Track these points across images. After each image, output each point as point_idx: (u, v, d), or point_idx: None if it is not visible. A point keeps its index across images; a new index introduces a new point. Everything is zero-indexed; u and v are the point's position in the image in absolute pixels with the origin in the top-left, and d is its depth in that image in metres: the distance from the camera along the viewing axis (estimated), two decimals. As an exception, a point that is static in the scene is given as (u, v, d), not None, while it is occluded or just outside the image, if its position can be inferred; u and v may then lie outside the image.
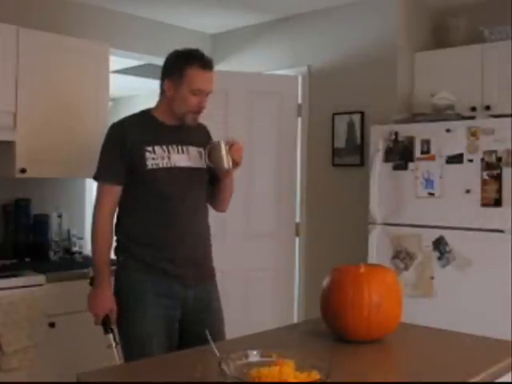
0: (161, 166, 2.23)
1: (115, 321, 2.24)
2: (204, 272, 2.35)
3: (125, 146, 2.22)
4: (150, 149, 2.23)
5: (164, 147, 2.25)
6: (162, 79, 2.30)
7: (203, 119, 2.41)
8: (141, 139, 2.23)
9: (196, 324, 2.26)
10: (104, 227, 2.26)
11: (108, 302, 2.22)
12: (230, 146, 2.27)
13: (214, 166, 2.29)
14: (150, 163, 2.22)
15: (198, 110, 2.28)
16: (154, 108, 2.35)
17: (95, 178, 2.31)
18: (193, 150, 2.32)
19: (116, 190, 2.26)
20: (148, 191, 2.24)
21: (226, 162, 2.26)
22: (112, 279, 2.29)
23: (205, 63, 2.23)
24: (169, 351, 2.16)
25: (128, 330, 2.22)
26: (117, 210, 2.30)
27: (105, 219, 2.26)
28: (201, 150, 2.33)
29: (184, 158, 2.28)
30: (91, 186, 4.35)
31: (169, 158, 2.25)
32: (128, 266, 2.27)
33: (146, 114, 2.33)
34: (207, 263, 2.38)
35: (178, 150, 2.28)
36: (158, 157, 2.23)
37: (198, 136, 2.38)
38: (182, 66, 2.22)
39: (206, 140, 2.37)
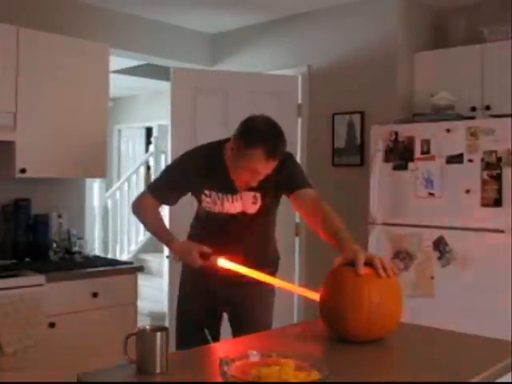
0: (212, 210, 2.37)
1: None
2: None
3: (185, 181, 2.38)
4: (207, 192, 2.36)
5: (220, 195, 2.34)
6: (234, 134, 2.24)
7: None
8: (202, 182, 2.35)
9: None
10: (146, 208, 2.47)
11: (190, 245, 2.36)
12: None
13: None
14: (206, 205, 2.39)
15: (246, 184, 2.28)
16: (228, 146, 2.31)
17: (149, 187, 2.51)
18: (247, 195, 2.34)
19: (155, 202, 2.45)
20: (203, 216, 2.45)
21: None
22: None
23: (268, 153, 2.16)
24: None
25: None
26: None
27: (146, 207, 2.48)
28: (256, 194, 2.34)
29: (237, 205, 2.35)
30: (91, 186, 4.35)
31: (222, 204, 2.35)
32: None
33: (218, 155, 2.34)
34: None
35: (231, 199, 2.34)
36: (212, 202, 2.36)
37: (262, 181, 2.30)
38: (246, 144, 2.16)
39: (271, 181, 2.30)
